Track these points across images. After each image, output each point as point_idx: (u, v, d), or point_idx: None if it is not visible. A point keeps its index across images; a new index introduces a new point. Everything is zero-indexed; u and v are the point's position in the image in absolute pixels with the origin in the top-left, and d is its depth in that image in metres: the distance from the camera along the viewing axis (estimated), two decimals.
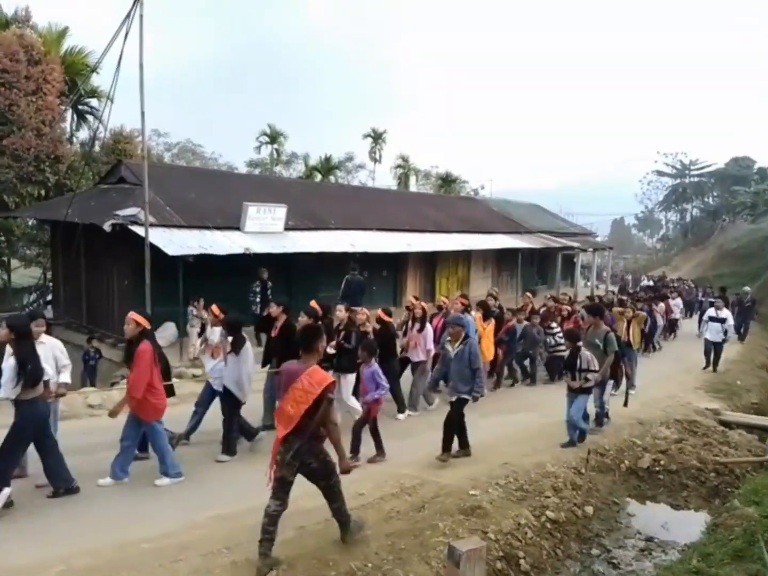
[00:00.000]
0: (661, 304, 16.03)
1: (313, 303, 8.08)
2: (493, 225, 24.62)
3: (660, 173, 63.87)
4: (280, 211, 14.85)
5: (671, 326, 17.43)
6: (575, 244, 26.19)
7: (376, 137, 43.55)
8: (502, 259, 23.91)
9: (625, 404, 8.74)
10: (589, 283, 29.86)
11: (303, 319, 7.45)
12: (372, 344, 7.12)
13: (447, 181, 42.61)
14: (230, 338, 6.79)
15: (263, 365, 7.96)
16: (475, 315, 9.57)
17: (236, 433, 6.85)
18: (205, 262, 12.12)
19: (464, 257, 22.30)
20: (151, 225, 11.77)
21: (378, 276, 18.91)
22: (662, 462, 7.63)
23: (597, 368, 7.43)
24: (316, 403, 4.29)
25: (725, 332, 12.98)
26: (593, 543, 5.97)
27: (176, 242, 12.09)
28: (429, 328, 9.09)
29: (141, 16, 8.51)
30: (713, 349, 12.98)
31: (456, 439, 6.87)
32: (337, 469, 4.55)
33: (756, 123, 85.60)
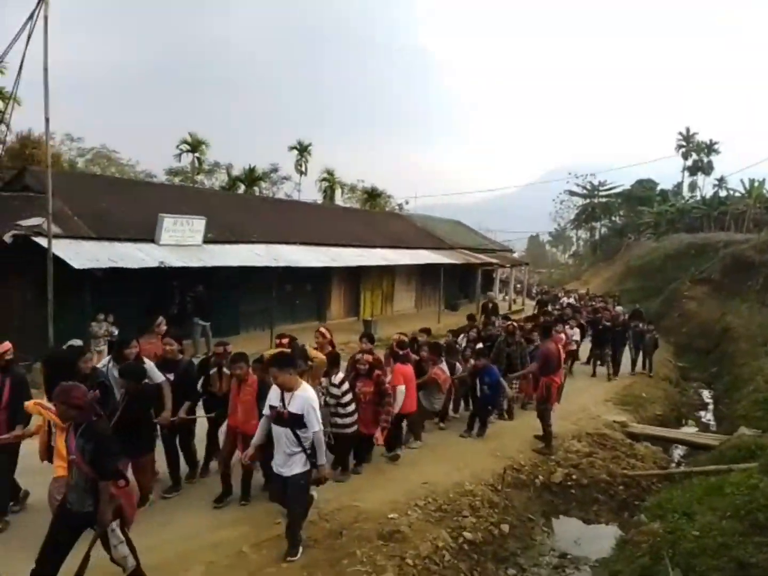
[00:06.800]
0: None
1: None
2: (416, 240, 24.97)
3: (572, 193, 67.83)
4: (198, 223, 14.36)
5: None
6: (494, 260, 27.07)
7: (302, 149, 43.25)
8: (425, 273, 24.27)
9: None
10: (507, 297, 30.84)
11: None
12: None
13: (372, 195, 42.90)
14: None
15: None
16: None
17: None
18: (116, 275, 11.50)
19: (388, 272, 22.45)
20: (57, 236, 11.05)
21: (302, 291, 18.69)
22: (574, 476, 7.89)
23: None
24: None
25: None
26: (509, 562, 6.05)
27: (84, 255, 11.39)
28: None
29: (45, 18, 7.97)
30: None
31: None
32: None
33: (658, 148, 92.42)
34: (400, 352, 7.89)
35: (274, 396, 4.94)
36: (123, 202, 14.83)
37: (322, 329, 7.81)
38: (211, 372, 6.59)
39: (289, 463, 4.86)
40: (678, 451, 10.36)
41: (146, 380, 5.66)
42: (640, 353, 14.74)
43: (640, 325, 14.99)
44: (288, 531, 5.07)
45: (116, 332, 11.34)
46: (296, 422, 4.78)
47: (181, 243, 13.87)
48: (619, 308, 16.90)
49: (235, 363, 5.99)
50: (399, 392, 7.22)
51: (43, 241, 10.61)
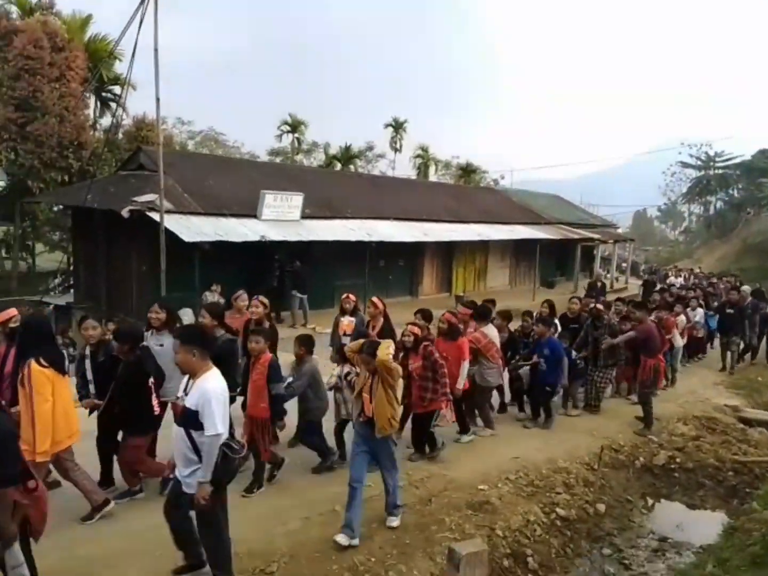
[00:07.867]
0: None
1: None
2: (511, 215, 24.34)
3: (684, 165, 62.69)
4: (296, 199, 14.83)
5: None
6: (595, 236, 25.81)
7: (397, 126, 43.28)
8: (520, 249, 23.63)
9: None
10: (609, 275, 29.37)
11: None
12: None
13: (467, 171, 42.22)
14: None
15: None
16: None
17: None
18: (221, 248, 12.15)
19: (482, 247, 22.08)
20: (168, 212, 11.82)
21: (395, 265, 18.83)
22: (678, 459, 7.47)
23: None
24: None
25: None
26: (604, 542, 5.85)
27: (192, 229, 12.13)
28: None
29: (156, 2, 8.47)
30: None
31: None
32: None
33: None
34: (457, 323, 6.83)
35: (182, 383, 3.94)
36: (228, 179, 15.59)
37: (375, 299, 6.95)
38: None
39: (189, 475, 3.72)
40: None
41: (144, 345, 5.11)
42: (763, 339, 13.24)
43: (761, 306, 13.53)
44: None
45: (223, 303, 11.99)
46: (190, 420, 3.66)
47: (281, 218, 14.40)
48: (746, 287, 14.75)
49: (253, 335, 5.25)
50: (464, 367, 6.61)
51: (156, 216, 11.38)
